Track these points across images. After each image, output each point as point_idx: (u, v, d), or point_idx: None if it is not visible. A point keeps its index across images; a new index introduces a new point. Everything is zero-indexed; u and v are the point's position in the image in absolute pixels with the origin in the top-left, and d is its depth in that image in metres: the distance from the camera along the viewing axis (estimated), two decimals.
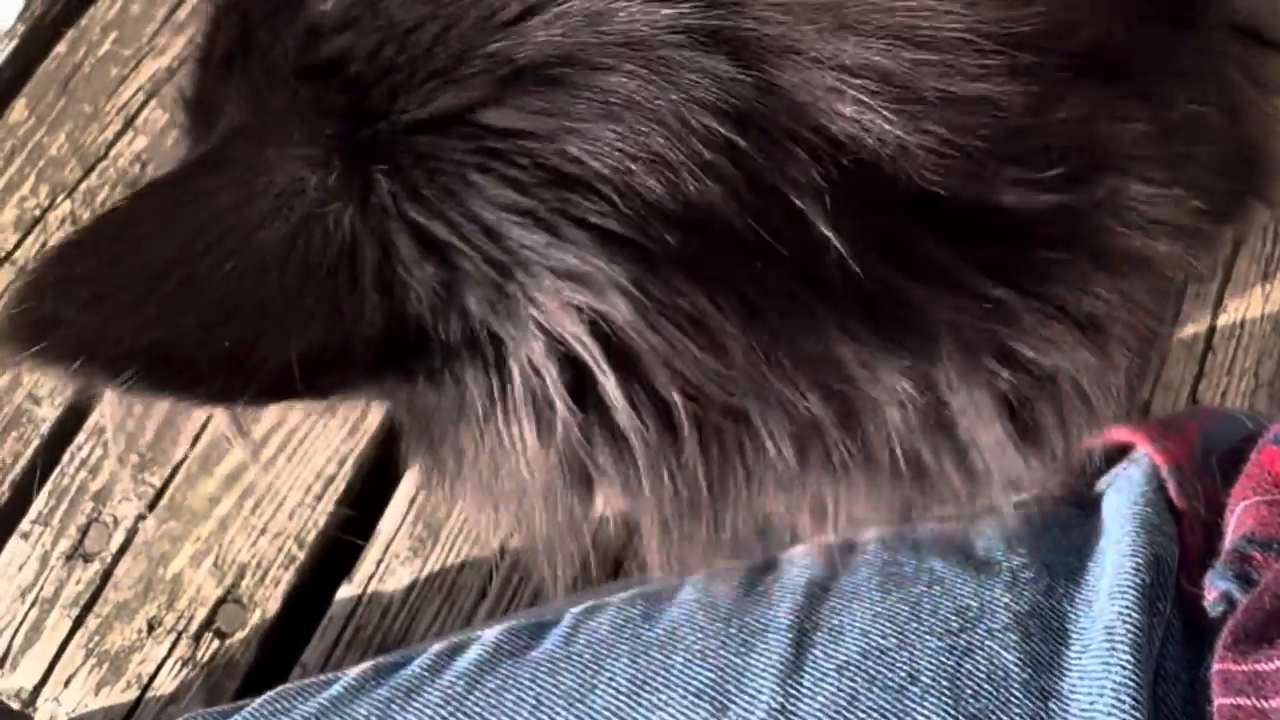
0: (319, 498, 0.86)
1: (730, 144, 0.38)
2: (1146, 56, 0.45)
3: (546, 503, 0.45)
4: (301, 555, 0.85)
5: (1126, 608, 0.55)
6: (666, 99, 0.38)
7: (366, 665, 0.66)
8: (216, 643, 0.82)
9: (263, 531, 0.85)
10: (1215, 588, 0.54)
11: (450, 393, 0.43)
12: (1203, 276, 0.89)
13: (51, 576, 0.84)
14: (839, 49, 0.38)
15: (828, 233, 0.39)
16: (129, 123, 0.97)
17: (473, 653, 0.64)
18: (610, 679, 0.60)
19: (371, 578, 0.84)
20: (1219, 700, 0.49)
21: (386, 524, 0.85)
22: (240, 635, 0.82)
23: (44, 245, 0.93)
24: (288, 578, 0.84)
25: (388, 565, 0.84)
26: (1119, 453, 0.66)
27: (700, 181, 0.38)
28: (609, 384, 0.41)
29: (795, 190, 0.39)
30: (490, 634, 0.66)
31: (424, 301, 0.41)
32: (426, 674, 0.63)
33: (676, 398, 0.41)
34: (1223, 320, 0.92)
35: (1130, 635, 0.54)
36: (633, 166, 0.38)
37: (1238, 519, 0.56)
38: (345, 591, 0.84)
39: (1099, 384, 0.48)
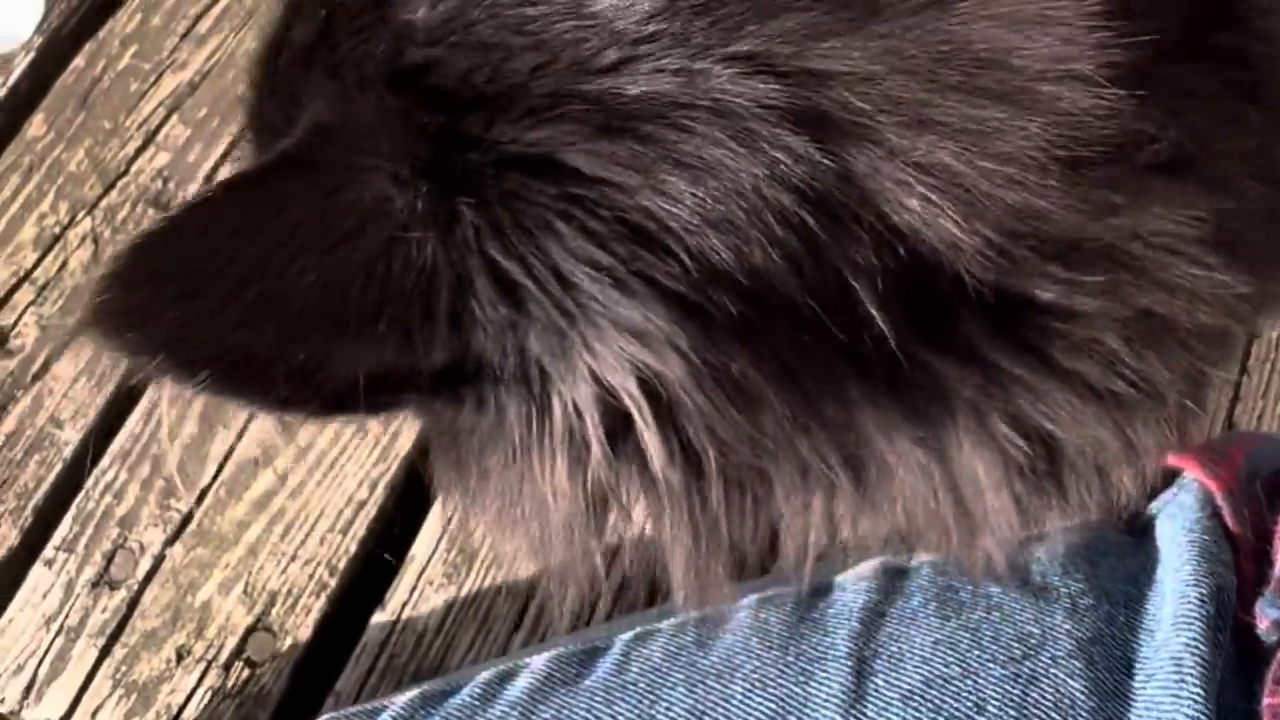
0: (350, 523, 0.86)
1: (802, 223, 0.39)
2: (1211, 140, 0.46)
3: (565, 531, 0.46)
4: (333, 582, 0.84)
5: (1193, 639, 0.56)
6: (749, 171, 0.39)
7: (413, 693, 0.66)
8: (247, 672, 0.82)
9: (293, 558, 0.85)
10: (1267, 616, 0.55)
11: (490, 418, 0.45)
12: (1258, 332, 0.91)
13: (77, 604, 0.83)
14: (915, 145, 0.39)
15: (875, 314, 0.41)
16: (150, 138, 0.97)
17: (523, 681, 0.64)
18: (668, 708, 0.60)
19: (405, 605, 0.84)
20: None
21: (420, 549, 0.85)
22: (271, 664, 0.82)
23: (64, 264, 0.93)
24: (319, 605, 0.84)
25: (421, 592, 0.84)
26: (1167, 476, 0.67)
27: (768, 255, 0.40)
28: (649, 435, 0.42)
29: (851, 270, 0.40)
30: (539, 661, 0.66)
31: (489, 338, 0.42)
32: (478, 703, 0.63)
33: (710, 451, 0.43)
34: (1257, 346, 0.93)
35: (1199, 668, 0.54)
36: (708, 233, 0.39)
37: None
38: (379, 619, 0.83)
39: (1121, 458, 0.49)
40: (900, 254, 0.41)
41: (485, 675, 0.66)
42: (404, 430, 0.88)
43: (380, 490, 0.87)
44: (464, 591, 0.84)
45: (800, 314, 0.41)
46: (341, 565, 0.85)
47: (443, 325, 0.41)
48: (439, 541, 0.85)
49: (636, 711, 0.60)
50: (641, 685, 0.62)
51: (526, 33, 0.40)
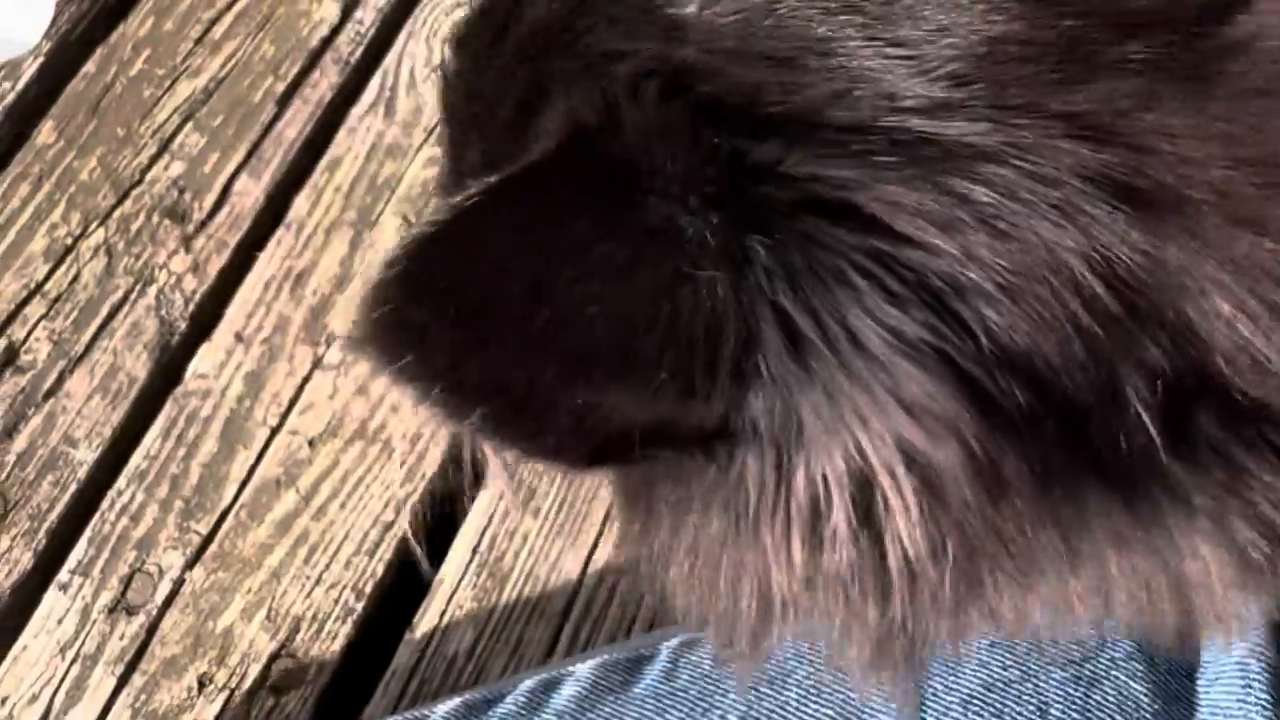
0: (377, 545, 0.85)
1: (1105, 310, 0.36)
2: None
3: (766, 602, 0.43)
4: (359, 607, 0.83)
5: (1258, 644, 0.56)
6: (1062, 244, 0.35)
7: (455, 702, 0.66)
8: (271, 701, 0.80)
9: (318, 582, 0.84)
10: None
11: (724, 476, 0.41)
12: None
13: (93, 631, 0.82)
14: (1236, 243, 0.36)
15: (1147, 422, 0.37)
16: (164, 146, 0.96)
17: (569, 689, 0.64)
18: (722, 716, 0.59)
19: (435, 629, 0.82)
20: None
21: (449, 572, 0.84)
22: (297, 692, 0.80)
23: (76, 277, 0.92)
24: (345, 631, 0.83)
25: (451, 616, 0.83)
26: None
27: (1066, 346, 0.36)
28: (908, 524, 0.39)
29: (1134, 369, 0.37)
30: (583, 669, 0.65)
31: (765, 395, 0.38)
32: (523, 712, 0.63)
33: (953, 541, 0.40)
34: None
35: (1265, 672, 0.54)
36: (1009, 308, 0.36)
37: None
38: (407, 644, 0.82)
39: None
40: (1190, 357, 0.37)
41: (529, 683, 0.66)
42: (430, 448, 0.87)
43: (407, 512, 0.86)
44: (495, 615, 0.83)
45: (1071, 411, 0.37)
46: (368, 589, 0.84)
47: (724, 378, 0.37)
48: (469, 564, 0.84)
49: (689, 719, 0.60)
50: (693, 692, 0.61)
51: (821, 52, 0.36)
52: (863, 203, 0.36)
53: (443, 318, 0.34)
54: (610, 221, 0.36)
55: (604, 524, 0.85)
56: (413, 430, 0.87)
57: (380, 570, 0.84)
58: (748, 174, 0.36)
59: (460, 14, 0.98)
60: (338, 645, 0.82)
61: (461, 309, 0.35)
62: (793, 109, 0.36)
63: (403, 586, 0.85)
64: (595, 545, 0.84)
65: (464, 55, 0.44)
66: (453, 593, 0.83)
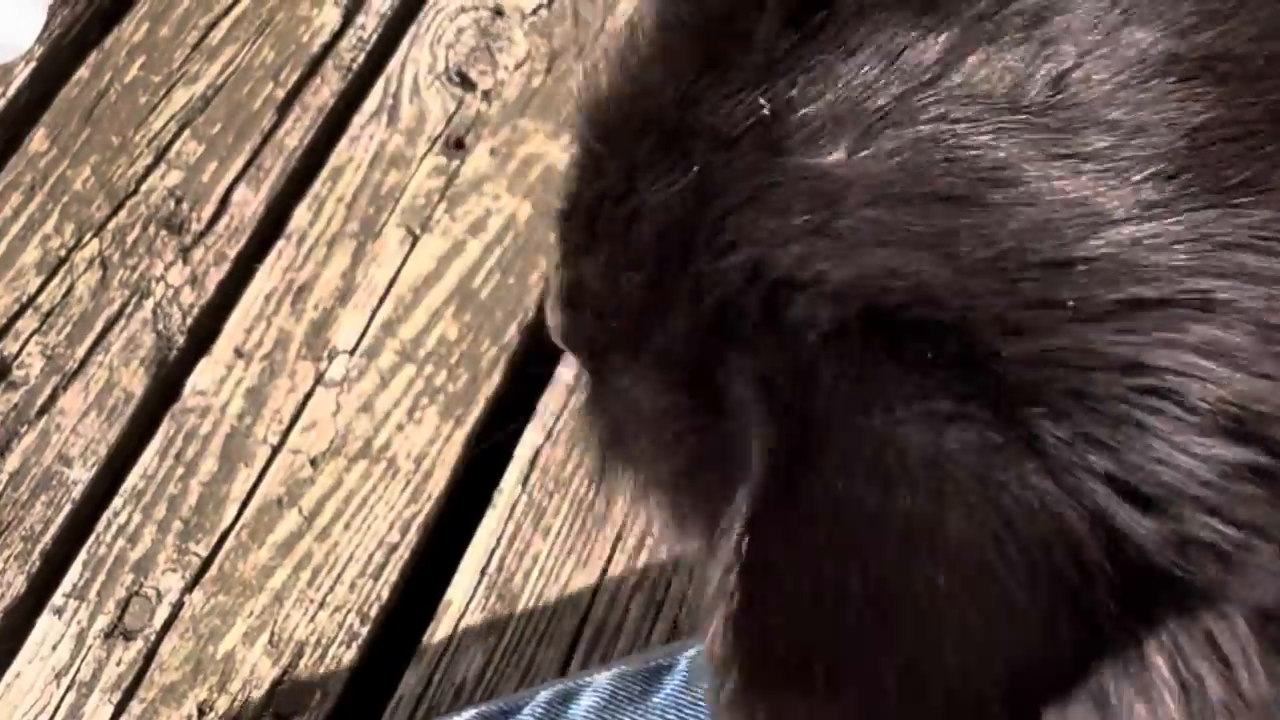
0: (382, 567, 0.83)
1: None
2: None
3: None
4: (365, 631, 0.81)
5: None
6: None
7: (470, 714, 0.65)
8: None
9: (321, 605, 0.82)
10: None
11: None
12: None
13: (89, 657, 0.79)
14: None
15: None
16: (160, 155, 0.94)
17: (587, 700, 0.63)
18: None
19: (443, 654, 0.80)
20: None
21: (456, 595, 0.82)
22: (301, 719, 0.79)
23: (70, 289, 0.89)
24: (350, 656, 0.81)
25: (459, 640, 0.81)
26: None
27: None
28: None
29: None
30: (601, 679, 0.65)
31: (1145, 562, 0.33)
32: None
33: None
34: None
35: None
36: None
37: None
38: (414, 669, 0.80)
39: None
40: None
41: (545, 695, 0.65)
42: (436, 469, 0.85)
43: (413, 533, 0.84)
44: (505, 638, 0.81)
45: None
46: (373, 612, 0.82)
47: (1099, 576, 0.32)
48: (477, 586, 0.82)
49: None
50: None
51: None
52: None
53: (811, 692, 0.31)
54: (905, 489, 0.32)
55: (615, 543, 0.83)
56: (418, 449, 0.86)
57: (386, 593, 0.82)
58: (966, 360, 0.33)
59: (466, 22, 0.96)
60: (343, 670, 0.80)
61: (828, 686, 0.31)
62: (973, 293, 0.33)
63: (409, 609, 0.83)
64: (607, 566, 0.82)
65: (573, 230, 0.40)
66: (461, 615, 0.81)
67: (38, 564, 0.82)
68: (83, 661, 0.80)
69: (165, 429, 0.85)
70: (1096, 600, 0.32)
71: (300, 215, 0.93)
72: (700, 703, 0.61)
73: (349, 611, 0.81)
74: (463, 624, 0.81)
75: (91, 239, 0.91)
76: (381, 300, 0.90)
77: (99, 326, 0.88)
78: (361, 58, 0.99)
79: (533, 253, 0.92)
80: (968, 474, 0.31)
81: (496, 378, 0.88)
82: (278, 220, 0.93)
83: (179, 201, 0.92)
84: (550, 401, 0.87)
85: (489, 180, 0.94)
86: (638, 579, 0.82)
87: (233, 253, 0.91)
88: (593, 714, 0.63)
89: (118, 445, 0.85)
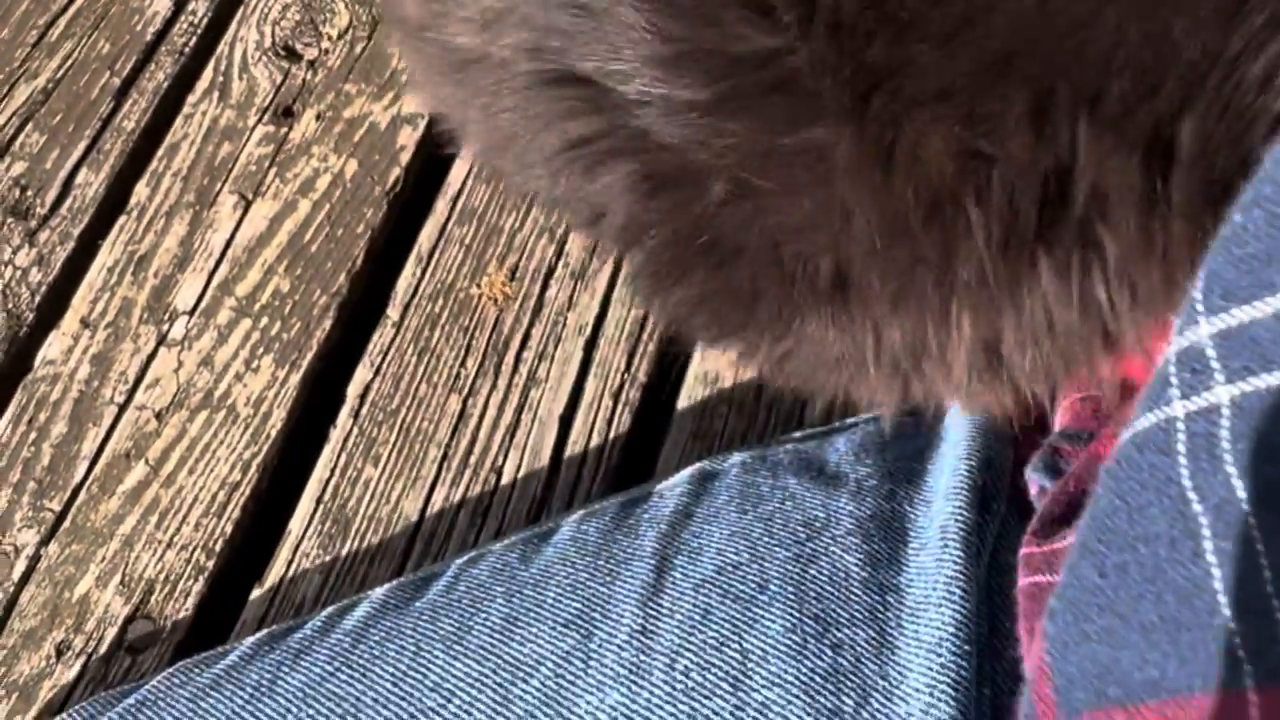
0: (225, 506, 0.92)
1: None
2: None
3: None
4: (210, 564, 0.90)
5: (959, 507, 0.62)
6: None
7: (262, 634, 0.72)
8: (129, 660, 0.88)
9: (169, 545, 0.91)
10: (1033, 481, 0.61)
11: None
12: None
13: None
14: None
15: None
16: (5, 149, 1.04)
17: (360, 610, 0.71)
18: (485, 619, 0.65)
19: (283, 579, 0.89)
20: (1022, 580, 0.55)
21: (295, 525, 0.91)
22: (153, 650, 0.88)
23: None
24: (197, 588, 0.90)
25: (299, 565, 0.90)
26: None
27: None
28: None
29: None
30: (379, 592, 0.72)
31: None
32: (316, 635, 0.69)
33: None
34: None
35: (961, 532, 0.61)
36: None
37: (1059, 416, 0.62)
38: (257, 595, 0.89)
39: None
40: None
41: (329, 610, 0.72)
42: (274, 411, 0.94)
43: (254, 471, 0.93)
44: (340, 561, 0.90)
45: None
46: (218, 547, 0.91)
47: None
48: (313, 515, 0.91)
49: (457, 624, 0.66)
50: (465, 601, 0.67)
51: None
52: None
53: None
54: None
55: (440, 465, 0.91)
56: (256, 394, 0.94)
57: (229, 529, 0.91)
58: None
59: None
60: (191, 603, 0.89)
61: None
62: None
63: (253, 543, 0.91)
64: (433, 486, 0.91)
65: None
66: (299, 543, 0.90)
67: None
68: None
69: (18, 399, 0.95)
70: None
71: (140, 191, 1.02)
72: (454, 604, 0.68)
73: (195, 549, 0.90)
74: (300, 550, 0.90)
75: None
76: (218, 263, 0.99)
77: None
78: (193, 41, 1.08)
79: (360, 206, 1.01)
80: None
81: (327, 323, 0.97)
82: (119, 198, 1.02)
83: (24, 190, 1.02)
84: (379, 340, 0.96)
85: (316, 143, 1.04)
86: (462, 494, 0.91)
87: (77, 231, 1.01)
88: (360, 623, 0.71)
89: None
